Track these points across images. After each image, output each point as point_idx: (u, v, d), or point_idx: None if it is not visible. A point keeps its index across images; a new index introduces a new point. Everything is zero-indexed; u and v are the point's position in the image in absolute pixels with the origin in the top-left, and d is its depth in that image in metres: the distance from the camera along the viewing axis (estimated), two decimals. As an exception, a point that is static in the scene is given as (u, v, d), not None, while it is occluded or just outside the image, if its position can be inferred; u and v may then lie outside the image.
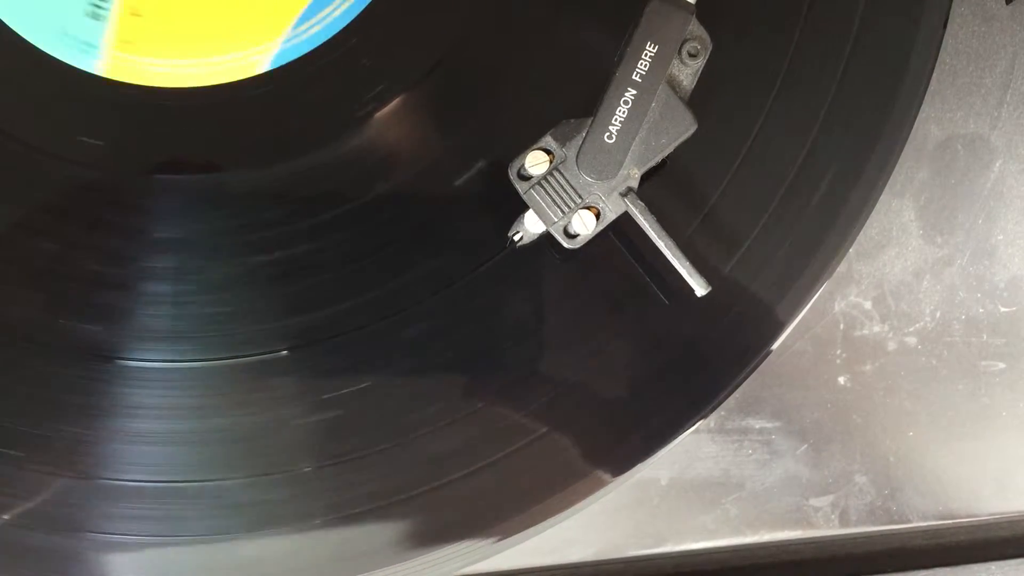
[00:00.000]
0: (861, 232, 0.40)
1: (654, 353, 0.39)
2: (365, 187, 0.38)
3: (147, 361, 0.38)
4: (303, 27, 0.38)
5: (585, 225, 0.35)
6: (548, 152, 0.36)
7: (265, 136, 0.39)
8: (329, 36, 0.38)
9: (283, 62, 0.38)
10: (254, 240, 0.38)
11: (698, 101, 0.36)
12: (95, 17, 0.38)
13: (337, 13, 0.38)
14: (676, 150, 0.36)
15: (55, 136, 0.38)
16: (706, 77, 0.36)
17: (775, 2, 0.38)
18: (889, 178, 0.39)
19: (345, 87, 0.38)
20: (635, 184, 0.36)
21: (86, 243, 0.38)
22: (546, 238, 0.37)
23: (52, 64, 0.38)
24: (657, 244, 0.36)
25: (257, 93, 0.38)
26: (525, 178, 0.36)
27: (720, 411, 0.41)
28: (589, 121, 0.35)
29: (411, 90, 0.38)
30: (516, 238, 0.37)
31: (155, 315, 0.38)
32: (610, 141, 0.35)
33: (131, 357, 0.38)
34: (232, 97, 0.38)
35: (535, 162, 0.35)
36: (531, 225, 0.37)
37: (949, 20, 0.40)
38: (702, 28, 0.36)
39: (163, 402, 0.38)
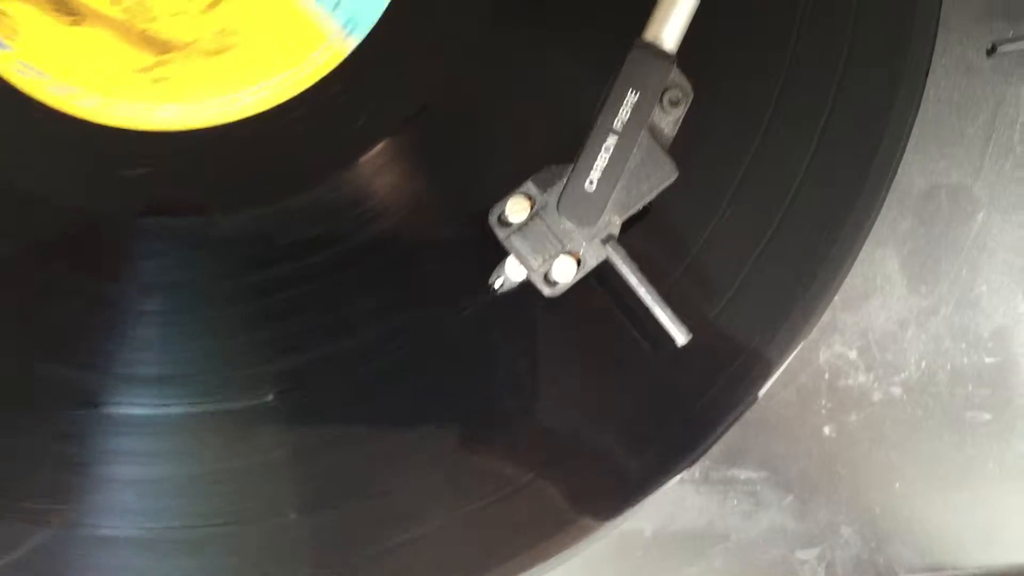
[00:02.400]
0: (845, 281, 0.39)
1: (637, 401, 0.39)
2: (349, 232, 0.38)
3: (132, 407, 0.38)
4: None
5: (565, 272, 0.35)
6: (529, 198, 0.35)
7: (250, 179, 0.38)
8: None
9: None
10: (239, 284, 0.38)
11: (680, 149, 0.36)
12: None
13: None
14: (659, 197, 0.36)
15: (39, 177, 0.38)
16: (689, 125, 0.37)
17: (757, 51, 0.39)
18: (872, 227, 0.39)
19: (329, 132, 0.38)
20: (616, 231, 0.36)
21: (67, 287, 0.38)
22: (528, 285, 0.36)
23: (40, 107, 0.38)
24: (638, 292, 0.35)
25: (243, 136, 0.38)
26: (505, 224, 0.36)
27: (705, 461, 0.41)
28: (570, 168, 0.35)
29: (395, 135, 0.38)
30: (497, 285, 0.37)
31: (139, 361, 0.38)
32: (591, 188, 0.35)
33: (115, 403, 0.37)
34: (218, 140, 0.38)
35: (516, 208, 0.35)
36: (512, 272, 0.37)
37: (931, 71, 0.40)
38: (683, 76, 0.36)
39: (148, 448, 0.37)
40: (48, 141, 0.39)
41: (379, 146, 0.38)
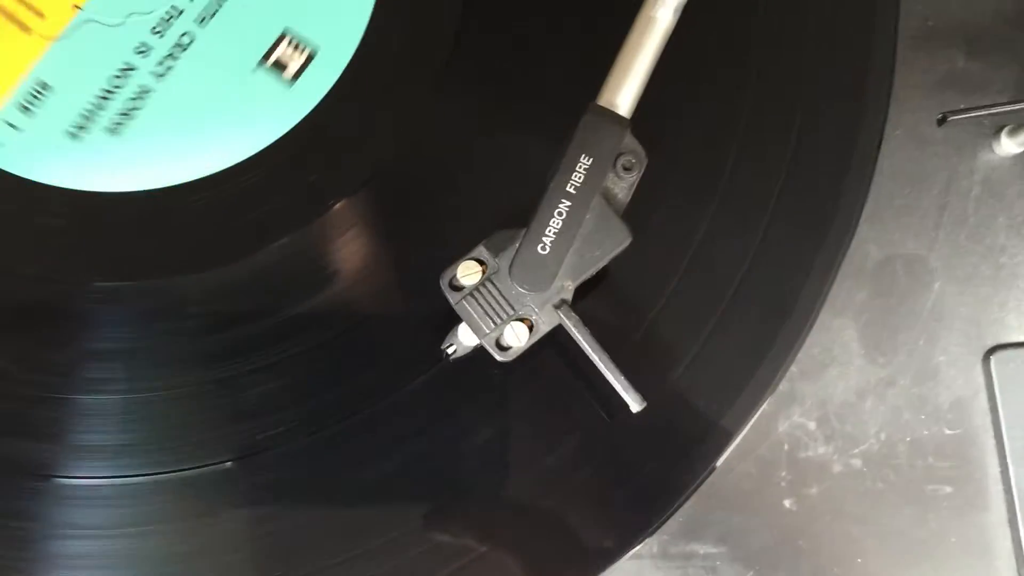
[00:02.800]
0: (803, 351, 0.39)
1: (594, 471, 0.38)
2: (304, 297, 0.38)
3: (85, 478, 0.36)
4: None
5: (518, 337, 0.35)
6: (481, 263, 0.35)
7: (203, 242, 0.38)
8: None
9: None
10: (194, 350, 0.38)
11: (635, 214, 0.36)
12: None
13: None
14: (613, 262, 0.36)
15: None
16: (643, 190, 0.36)
17: (711, 119, 0.39)
18: (828, 297, 0.39)
19: (283, 194, 0.38)
20: (569, 296, 0.35)
21: (16, 354, 0.37)
22: (482, 351, 0.36)
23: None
24: (591, 358, 0.35)
25: (195, 198, 0.38)
26: (457, 288, 0.35)
27: (663, 535, 0.40)
28: (523, 232, 0.35)
29: (348, 197, 0.38)
30: (450, 351, 0.36)
31: (94, 429, 0.37)
32: (544, 252, 0.35)
33: (69, 475, 0.36)
34: (171, 202, 0.38)
35: (467, 272, 0.35)
36: (464, 337, 0.36)
37: (884, 142, 0.40)
38: (637, 142, 0.36)
39: (102, 520, 0.36)
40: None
41: (333, 209, 0.38)
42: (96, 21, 0.39)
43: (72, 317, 0.38)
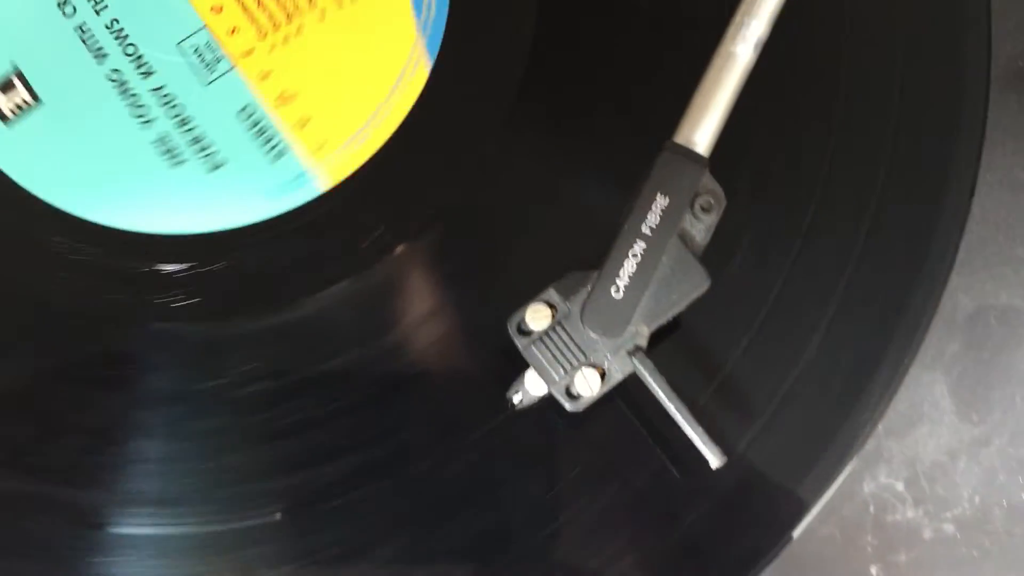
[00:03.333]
0: (890, 407, 0.37)
1: (663, 535, 0.35)
2: (360, 342, 0.36)
3: (133, 527, 0.35)
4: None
5: (589, 386, 0.33)
6: (551, 306, 0.33)
7: (257, 286, 0.37)
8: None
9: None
10: (246, 397, 0.36)
11: (713, 258, 0.34)
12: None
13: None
14: (688, 309, 0.34)
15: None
16: (722, 234, 0.34)
17: (794, 161, 0.37)
18: (918, 350, 0.37)
19: (343, 236, 0.37)
20: (644, 343, 0.33)
21: (64, 397, 0.36)
22: (548, 400, 0.34)
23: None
24: (667, 408, 0.33)
25: (250, 242, 0.37)
26: (525, 333, 0.33)
27: (738, 603, 0.37)
28: (595, 275, 0.33)
29: (411, 240, 0.36)
30: (515, 400, 0.34)
31: (143, 476, 0.35)
32: (617, 296, 0.33)
33: (116, 523, 0.35)
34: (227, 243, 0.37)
35: (536, 316, 0.33)
36: (532, 386, 0.34)
37: (976, 188, 0.38)
38: (715, 182, 0.34)
39: (149, 572, 0.35)
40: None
41: (395, 252, 0.36)
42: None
43: (123, 359, 0.36)
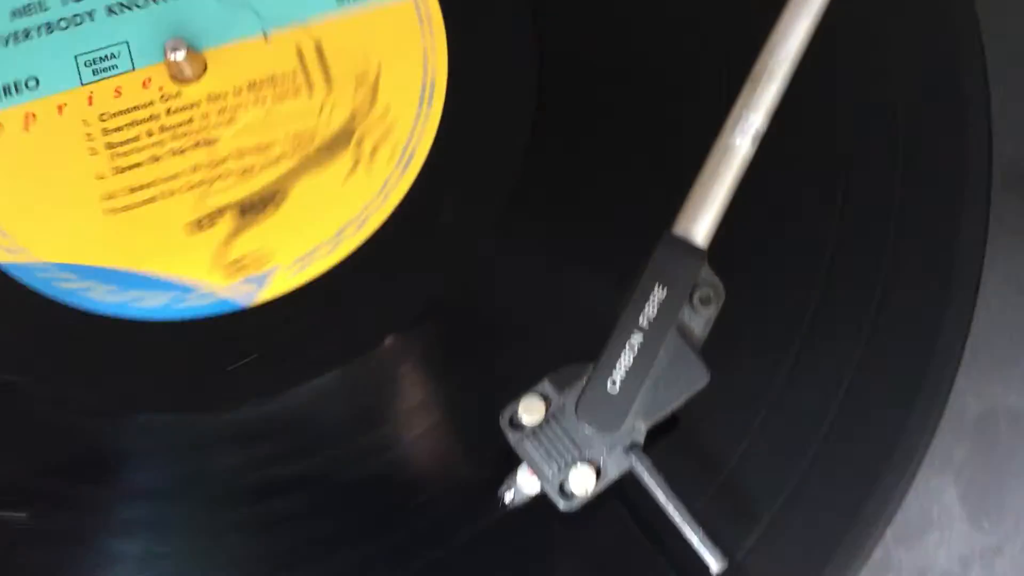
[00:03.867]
0: (898, 514, 0.35)
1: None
2: (346, 435, 0.35)
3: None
4: (64, 274, 0.36)
5: (584, 483, 0.31)
6: (544, 399, 0.32)
7: (243, 374, 0.36)
8: (74, 303, 0.36)
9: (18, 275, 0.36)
10: (229, 490, 0.35)
11: (712, 355, 0.33)
12: None
13: (100, 296, 0.36)
14: (687, 406, 0.33)
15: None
16: (721, 329, 0.33)
17: (795, 253, 0.36)
18: (926, 454, 0.35)
19: (331, 325, 0.36)
20: (641, 439, 0.32)
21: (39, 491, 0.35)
22: (540, 499, 0.32)
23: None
24: (665, 509, 0.31)
25: (236, 328, 0.36)
26: (518, 427, 0.32)
27: None
28: (591, 367, 0.32)
29: (402, 332, 0.35)
30: (507, 498, 0.33)
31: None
32: (614, 390, 0.32)
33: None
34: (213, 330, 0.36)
35: (530, 409, 0.32)
36: (524, 484, 0.33)
37: (981, 289, 0.37)
38: (714, 275, 0.33)
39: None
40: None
41: (384, 344, 0.35)
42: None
43: (103, 451, 0.35)
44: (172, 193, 0.37)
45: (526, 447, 0.32)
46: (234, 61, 0.38)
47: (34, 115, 0.37)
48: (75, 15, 0.38)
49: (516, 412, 0.32)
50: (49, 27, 0.38)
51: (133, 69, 0.38)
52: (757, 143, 0.35)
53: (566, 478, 0.31)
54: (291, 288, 0.36)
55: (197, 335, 0.36)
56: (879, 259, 0.37)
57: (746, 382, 0.35)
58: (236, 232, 0.36)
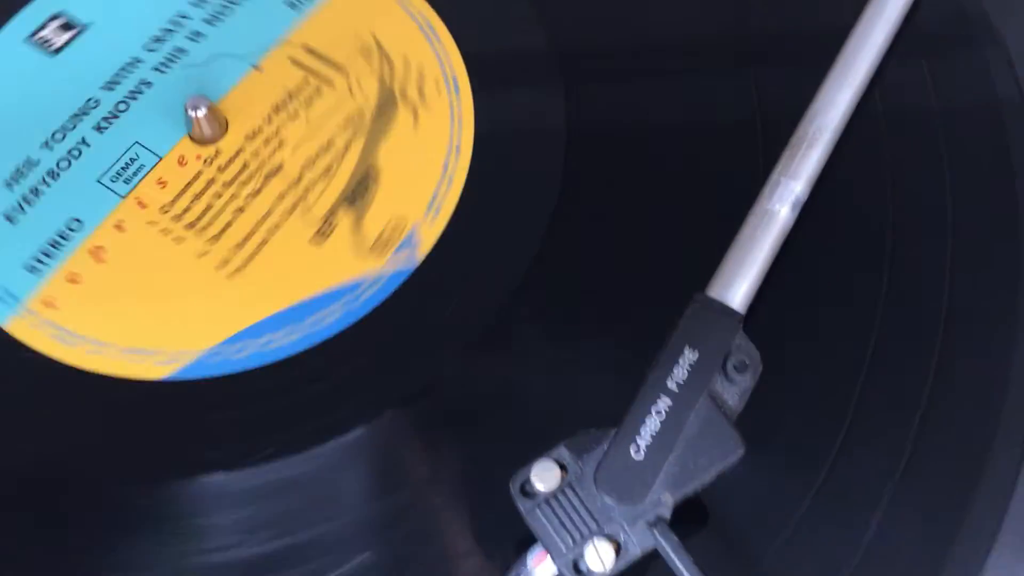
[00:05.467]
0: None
1: None
2: (340, 511, 0.32)
3: None
4: (236, 345, 0.34)
5: (602, 560, 0.28)
6: (560, 466, 0.29)
7: (235, 440, 0.33)
8: (267, 361, 0.34)
9: (193, 375, 0.33)
10: (224, 560, 0.31)
11: (747, 434, 0.30)
12: (32, 271, 0.35)
13: (284, 340, 0.34)
14: (719, 492, 0.30)
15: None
16: (757, 414, 0.30)
17: (832, 342, 0.33)
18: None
19: (330, 396, 0.33)
20: (667, 513, 0.28)
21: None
22: (555, 587, 0.29)
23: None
24: (694, 592, 0.27)
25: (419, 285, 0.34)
26: (530, 495, 0.29)
27: None
28: (613, 432, 0.29)
29: (402, 408, 0.32)
30: (514, 586, 0.29)
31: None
32: (638, 457, 0.29)
33: None
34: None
35: (544, 476, 0.29)
36: (537, 566, 0.29)
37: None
38: (751, 344, 0.30)
39: None
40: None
41: (383, 415, 0.33)
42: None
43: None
44: (277, 227, 0.35)
45: (538, 517, 0.28)
46: (246, 100, 0.38)
47: (100, 247, 0.35)
48: (69, 151, 0.37)
49: (529, 478, 0.29)
50: (52, 174, 0.37)
51: (160, 158, 0.37)
52: (797, 210, 0.33)
53: (582, 554, 0.28)
54: (440, 232, 0.35)
55: (398, 314, 0.34)
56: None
57: (782, 472, 0.32)
58: (358, 220, 0.35)
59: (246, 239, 0.35)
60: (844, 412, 0.32)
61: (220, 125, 0.37)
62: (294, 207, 0.36)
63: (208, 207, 0.36)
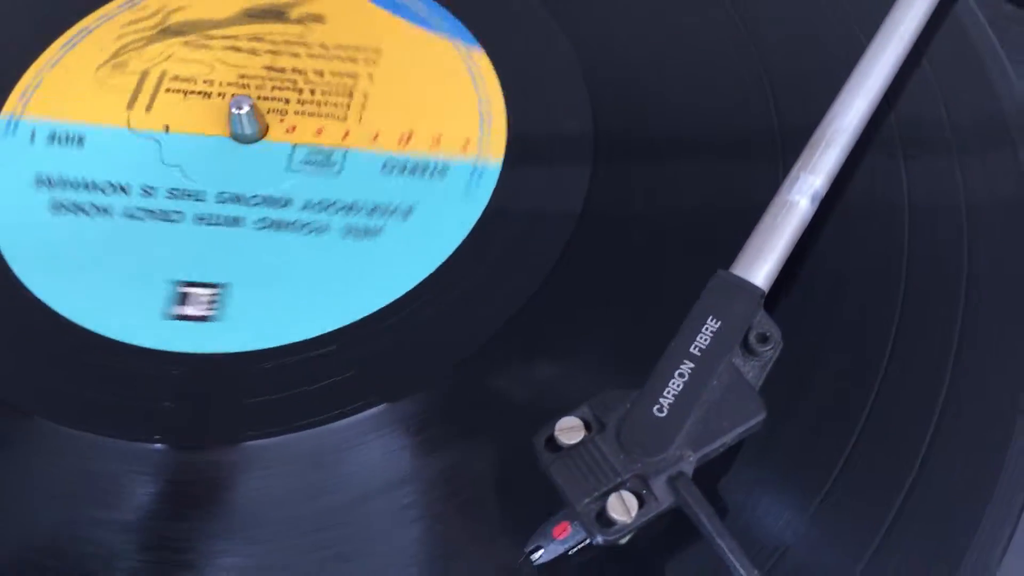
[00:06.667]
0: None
1: None
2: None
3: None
4: None
5: (627, 508, 0.28)
6: (584, 421, 0.29)
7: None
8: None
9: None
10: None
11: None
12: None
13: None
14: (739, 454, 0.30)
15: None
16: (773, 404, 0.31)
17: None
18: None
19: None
20: (690, 469, 0.29)
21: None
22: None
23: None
24: (714, 544, 0.27)
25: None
26: (553, 449, 0.29)
27: None
28: (636, 393, 0.30)
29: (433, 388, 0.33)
30: (535, 557, 0.29)
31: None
32: (660, 415, 0.29)
33: None
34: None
35: (567, 428, 0.29)
36: (560, 537, 0.29)
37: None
38: (773, 323, 0.31)
39: None
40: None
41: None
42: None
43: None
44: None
45: (561, 468, 0.29)
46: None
47: None
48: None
49: (553, 432, 0.29)
50: None
51: None
52: (816, 203, 0.34)
53: (604, 505, 0.28)
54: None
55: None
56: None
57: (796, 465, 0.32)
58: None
59: None
60: (857, 416, 0.33)
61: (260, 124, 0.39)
62: None
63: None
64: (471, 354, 0.34)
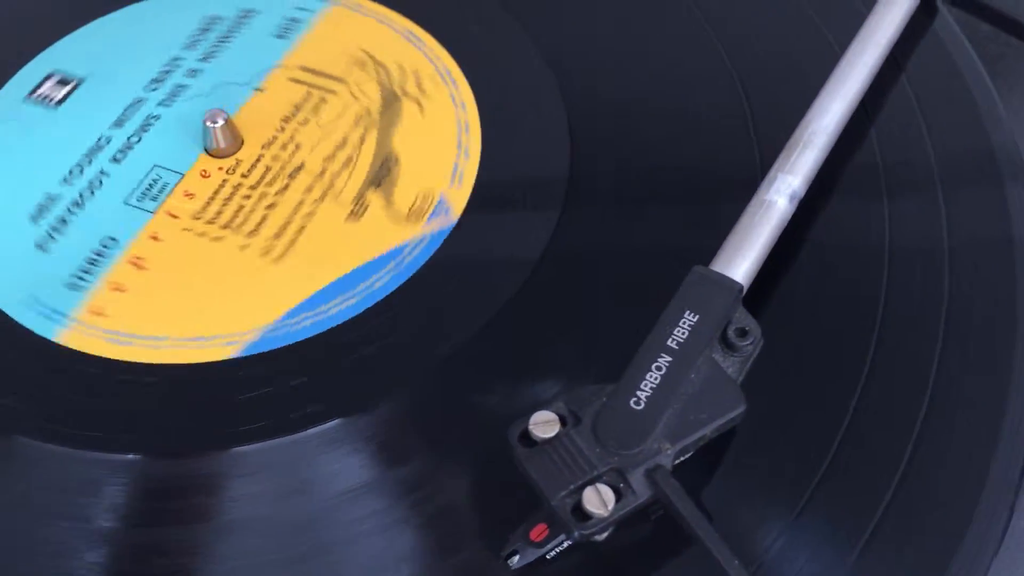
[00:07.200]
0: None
1: None
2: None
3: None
4: (294, 319, 0.34)
5: (603, 501, 0.27)
6: (559, 416, 0.29)
7: (219, 424, 0.32)
8: (321, 330, 0.34)
9: (259, 350, 0.34)
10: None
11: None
12: (73, 288, 0.35)
13: (340, 307, 0.34)
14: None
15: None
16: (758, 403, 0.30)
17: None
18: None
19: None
20: (668, 463, 0.28)
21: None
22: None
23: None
24: (694, 534, 0.27)
25: (220, 379, 0.33)
26: (527, 444, 0.28)
27: None
28: (612, 387, 0.29)
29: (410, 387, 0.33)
30: (512, 561, 0.28)
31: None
32: (637, 407, 0.28)
33: None
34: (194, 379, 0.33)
35: (542, 423, 0.28)
36: (532, 537, 0.28)
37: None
38: (752, 319, 0.31)
39: None
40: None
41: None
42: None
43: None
44: (311, 214, 0.37)
45: (535, 462, 0.28)
46: (256, 116, 0.40)
47: (139, 257, 0.36)
48: (89, 182, 0.38)
49: (527, 426, 0.28)
50: (77, 204, 0.38)
51: (182, 175, 0.38)
52: (795, 203, 0.34)
53: (580, 499, 0.27)
54: (468, 194, 0.37)
55: (453, 268, 0.35)
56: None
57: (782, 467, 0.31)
58: (388, 198, 0.37)
59: (283, 228, 0.37)
60: (842, 415, 0.32)
61: (236, 138, 0.38)
62: (323, 196, 0.37)
63: (240, 208, 0.37)
64: (441, 361, 0.33)
